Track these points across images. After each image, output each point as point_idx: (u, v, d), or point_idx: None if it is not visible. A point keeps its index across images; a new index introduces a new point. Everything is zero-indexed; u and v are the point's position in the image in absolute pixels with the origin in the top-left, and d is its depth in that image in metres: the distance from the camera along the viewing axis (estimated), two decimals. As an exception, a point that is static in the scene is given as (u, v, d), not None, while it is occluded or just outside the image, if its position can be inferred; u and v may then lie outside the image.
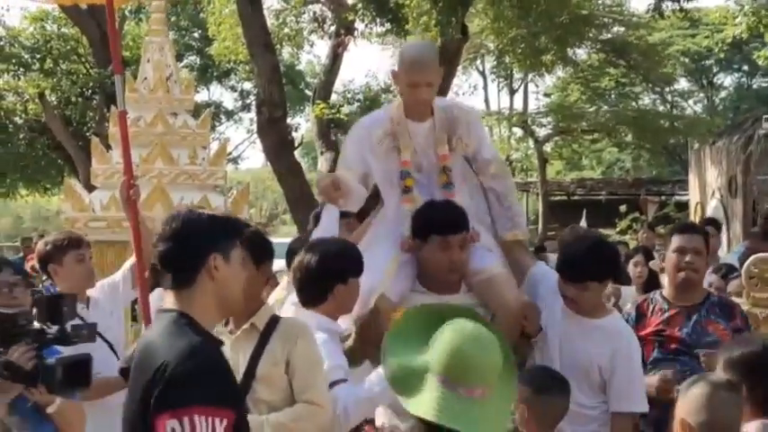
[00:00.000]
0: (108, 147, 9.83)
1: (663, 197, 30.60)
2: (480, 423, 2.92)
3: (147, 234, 5.88)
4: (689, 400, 3.40)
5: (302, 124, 38.51)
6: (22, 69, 27.07)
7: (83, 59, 25.93)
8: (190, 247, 3.17)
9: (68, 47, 26.35)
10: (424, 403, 2.93)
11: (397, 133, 5.11)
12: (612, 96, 35.02)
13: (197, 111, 11.17)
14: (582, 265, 4.84)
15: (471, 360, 2.94)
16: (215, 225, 3.22)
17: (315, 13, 22.20)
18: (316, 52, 62.69)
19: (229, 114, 40.45)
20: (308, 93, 31.83)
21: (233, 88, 39.76)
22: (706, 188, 21.71)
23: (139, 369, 3.08)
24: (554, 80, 35.92)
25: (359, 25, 20.16)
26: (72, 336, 4.24)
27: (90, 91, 24.53)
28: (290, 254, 6.36)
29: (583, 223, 16.68)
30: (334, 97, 22.45)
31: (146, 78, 9.97)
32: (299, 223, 16.94)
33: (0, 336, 4.06)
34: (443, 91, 15.12)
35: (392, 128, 5.11)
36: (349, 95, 24.86)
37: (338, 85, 23.84)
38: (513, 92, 42.37)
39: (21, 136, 27.26)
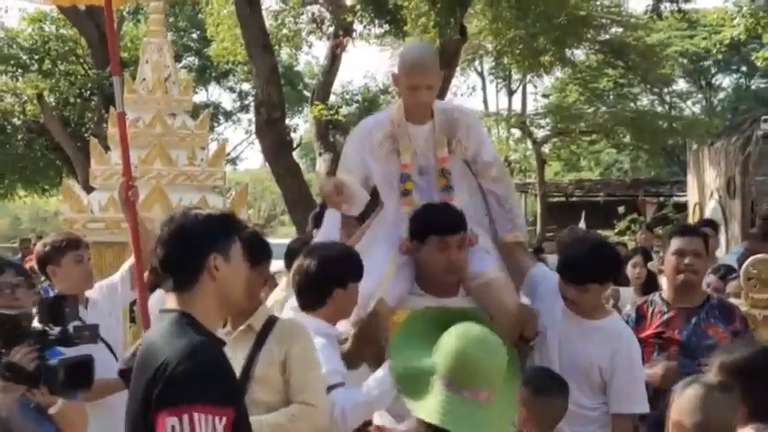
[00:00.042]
0: (106, 148, 9.83)
1: (661, 198, 30.63)
2: (485, 426, 2.93)
3: (146, 235, 5.88)
4: (683, 402, 3.41)
5: (301, 125, 38.56)
6: (20, 70, 27.09)
7: (81, 60, 25.94)
8: (189, 249, 3.17)
9: (67, 48, 26.36)
10: (430, 406, 2.93)
11: (398, 136, 5.11)
12: (611, 97, 35.03)
13: (195, 112, 11.16)
14: (583, 267, 4.85)
15: (477, 363, 2.94)
16: (212, 225, 3.22)
17: (313, 14, 22.22)
18: (314, 53, 62.87)
19: (228, 115, 40.43)
20: (307, 94, 31.84)
21: (231, 89, 39.76)
22: (704, 189, 21.72)
23: (141, 368, 3.09)
24: (552, 81, 35.95)
25: (357, 26, 20.20)
26: (74, 337, 4.24)
27: (88, 92, 24.54)
28: (290, 255, 6.37)
29: (582, 225, 16.69)
30: (332, 98, 22.44)
31: (144, 79, 9.96)
32: (298, 224, 16.95)
33: (2, 337, 4.06)
34: (442, 92, 15.13)
35: (392, 130, 5.11)
36: (347, 96, 24.85)
37: (337, 87, 23.85)
38: (511, 93, 42.43)
39: (19, 137, 27.26)
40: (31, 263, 7.98)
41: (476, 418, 2.91)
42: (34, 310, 4.43)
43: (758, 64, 31.59)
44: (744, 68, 44.35)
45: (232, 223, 3.33)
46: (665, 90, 36.60)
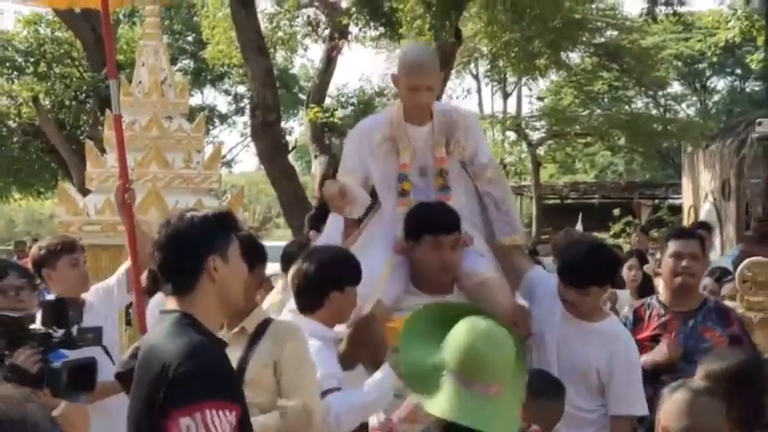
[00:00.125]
0: (102, 150, 9.82)
1: (656, 201, 30.67)
2: (496, 420, 2.93)
3: (143, 238, 5.88)
4: (670, 406, 3.41)
5: (296, 128, 38.52)
6: (15, 73, 27.06)
7: (76, 63, 25.92)
8: (187, 253, 3.18)
9: (62, 50, 26.33)
10: (442, 402, 2.94)
11: (397, 136, 5.12)
12: (606, 100, 35.07)
13: (191, 114, 11.16)
14: (583, 270, 4.86)
15: (486, 357, 2.95)
16: (209, 226, 3.23)
17: (308, 16, 22.26)
18: (309, 56, 62.73)
19: (223, 118, 40.43)
20: (302, 96, 31.84)
21: (227, 92, 39.78)
22: (699, 191, 21.73)
23: (143, 370, 3.10)
24: (547, 84, 35.97)
25: (353, 29, 20.22)
26: (77, 340, 4.24)
27: (84, 95, 24.50)
28: (286, 257, 6.38)
29: (579, 227, 16.70)
30: (327, 101, 22.44)
31: (140, 82, 9.96)
32: (293, 227, 16.96)
33: (6, 339, 4.06)
34: (437, 95, 15.13)
35: (391, 131, 5.12)
36: (343, 99, 24.83)
37: (332, 89, 23.84)
38: (506, 95, 42.49)
39: (14, 139, 27.22)
40: (27, 266, 7.97)
41: (487, 412, 2.91)
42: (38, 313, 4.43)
43: (753, 66, 31.65)
44: (738, 71, 44.38)
45: (229, 222, 3.33)
46: (660, 93, 36.67)
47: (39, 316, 4.25)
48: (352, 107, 23.61)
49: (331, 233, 5.02)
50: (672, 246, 5.42)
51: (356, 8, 19.06)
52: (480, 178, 5.31)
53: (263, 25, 19.76)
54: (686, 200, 23.42)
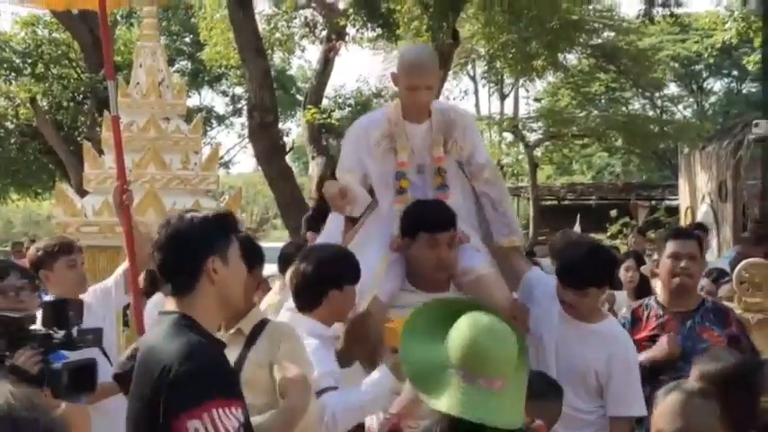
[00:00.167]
0: (100, 152, 9.83)
1: (653, 202, 30.67)
2: (501, 414, 2.93)
3: (140, 239, 5.89)
4: (664, 408, 3.42)
5: (293, 129, 38.51)
6: (13, 74, 27.03)
7: (74, 64, 25.89)
8: (186, 254, 3.18)
9: (60, 51, 26.30)
10: (447, 399, 2.93)
11: (395, 134, 5.12)
12: (603, 101, 35.08)
13: (188, 115, 11.18)
14: (582, 271, 4.87)
15: (489, 352, 2.95)
16: (209, 227, 3.22)
17: (306, 18, 22.28)
18: (307, 57, 62.74)
19: (220, 119, 40.40)
20: (299, 98, 31.82)
21: (224, 93, 39.73)
22: (696, 193, 21.76)
23: (143, 372, 3.09)
24: (544, 85, 36.01)
25: (350, 30, 20.23)
26: (78, 341, 4.24)
27: (81, 96, 24.49)
28: (283, 259, 6.39)
29: (577, 228, 16.71)
30: (325, 102, 22.45)
31: (138, 83, 9.98)
32: (291, 228, 16.95)
33: (7, 339, 4.06)
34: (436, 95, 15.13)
35: (389, 129, 5.13)
36: (340, 100, 24.81)
37: (329, 90, 23.84)
38: (503, 97, 42.42)
39: (12, 140, 27.18)
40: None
41: (492, 406, 2.91)
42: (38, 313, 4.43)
43: (749, 68, 31.67)
44: (735, 72, 44.42)
45: (229, 223, 3.33)
46: (657, 94, 36.69)
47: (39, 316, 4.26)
48: (350, 108, 23.59)
49: (331, 232, 5.02)
50: (670, 246, 5.42)
51: (353, 9, 19.08)
52: (477, 179, 5.31)
53: (261, 26, 19.78)
54: (683, 201, 23.45)
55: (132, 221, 5.91)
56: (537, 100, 40.65)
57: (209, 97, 44.12)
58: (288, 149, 22.41)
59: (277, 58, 28.42)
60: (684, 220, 21.82)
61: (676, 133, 27.01)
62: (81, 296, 5.73)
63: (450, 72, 24.90)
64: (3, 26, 48.60)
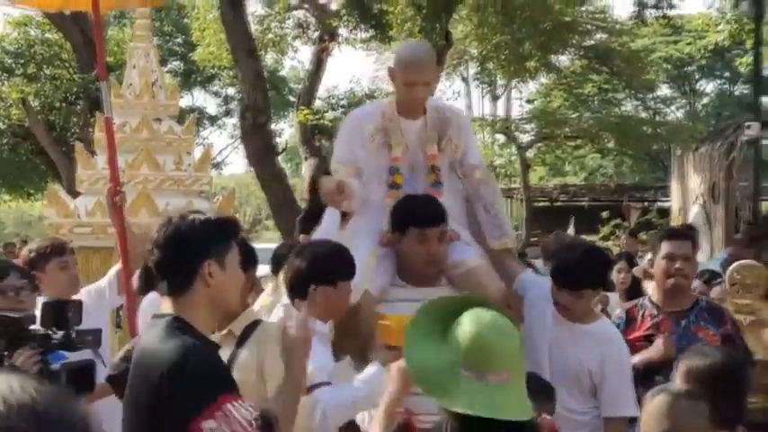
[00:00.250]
0: (92, 152, 9.82)
1: (645, 203, 30.64)
2: (512, 406, 2.93)
3: (133, 240, 5.89)
4: (651, 410, 3.43)
5: (286, 130, 38.50)
6: (5, 74, 26.98)
7: (66, 64, 25.84)
8: (184, 254, 3.18)
9: (52, 52, 26.25)
10: (458, 398, 2.92)
11: (389, 130, 5.13)
12: (595, 103, 35.07)
13: (181, 116, 11.16)
14: (577, 273, 4.90)
15: (494, 347, 2.95)
16: (209, 230, 3.22)
17: (298, 19, 22.27)
18: (299, 58, 62.67)
19: (212, 120, 40.37)
20: (292, 99, 31.81)
21: (216, 94, 39.71)
22: (688, 194, 21.75)
23: (139, 376, 3.09)
24: (537, 86, 36.00)
25: (343, 31, 20.21)
26: (77, 341, 4.25)
27: (73, 96, 24.44)
28: (276, 260, 6.39)
29: (570, 230, 16.73)
30: (317, 103, 22.44)
31: (131, 84, 9.97)
32: (283, 229, 16.94)
33: (6, 339, 4.06)
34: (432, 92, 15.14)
35: (384, 124, 5.13)
36: (333, 101, 24.82)
37: (322, 91, 23.83)
38: (496, 98, 42.48)
39: (3, 141, 27.14)
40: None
41: (503, 400, 2.90)
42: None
43: (741, 70, 31.73)
44: (727, 74, 44.53)
45: (230, 228, 3.33)
46: (649, 96, 36.68)
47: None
48: (343, 109, 23.59)
49: (328, 228, 5.01)
50: (664, 247, 5.44)
51: (346, 10, 19.07)
52: (470, 179, 5.32)
53: (253, 27, 19.74)
54: (675, 203, 23.45)
55: (125, 222, 5.91)
56: (529, 101, 40.64)
57: (201, 98, 44.08)
58: (280, 150, 22.38)
59: (269, 58, 28.40)
60: (676, 222, 21.83)
61: (669, 135, 26.99)
62: (76, 297, 5.74)
63: (443, 73, 24.90)
64: (-5, 27, 48.35)
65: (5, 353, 4.02)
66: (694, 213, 20.33)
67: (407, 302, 4.63)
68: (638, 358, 5.17)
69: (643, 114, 36.62)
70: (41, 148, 24.76)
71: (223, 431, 2.93)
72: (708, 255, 16.71)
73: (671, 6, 20.22)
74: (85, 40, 20.49)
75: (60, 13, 19.74)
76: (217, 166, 42.26)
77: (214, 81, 36.36)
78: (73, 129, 24.53)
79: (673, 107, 44.75)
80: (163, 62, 27.01)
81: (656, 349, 5.22)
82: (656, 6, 20.13)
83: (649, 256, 9.13)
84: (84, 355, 4.27)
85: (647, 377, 5.05)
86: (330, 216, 5.07)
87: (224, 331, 4.18)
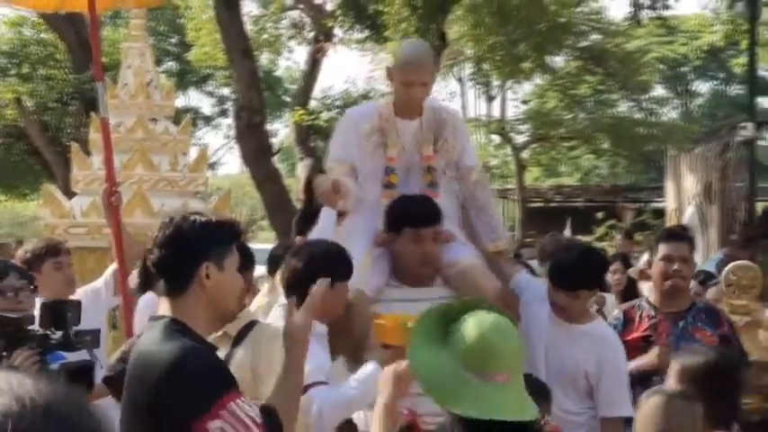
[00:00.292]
0: (87, 153, 9.81)
1: (640, 204, 30.67)
2: (518, 407, 2.93)
3: (128, 240, 5.89)
4: (645, 411, 3.44)
5: (281, 130, 38.49)
6: (-1, 74, 26.97)
7: (61, 65, 25.80)
8: (183, 254, 3.17)
9: (46, 52, 26.20)
10: (464, 402, 2.91)
11: (386, 130, 5.13)
12: (590, 104, 35.06)
13: (176, 116, 11.15)
14: (574, 274, 4.91)
15: (497, 347, 2.94)
16: (209, 232, 3.21)
17: (294, 19, 22.25)
18: (294, 58, 62.66)
19: (207, 120, 40.36)
20: (287, 99, 31.79)
21: (211, 94, 39.72)
22: (683, 195, 21.77)
23: (136, 377, 3.08)
24: (532, 87, 36.00)
25: (338, 32, 20.21)
26: (76, 342, 4.25)
27: (68, 96, 24.41)
28: (272, 260, 6.39)
29: (567, 232, 16.72)
30: (312, 103, 22.41)
31: (126, 84, 9.95)
32: (278, 229, 16.93)
33: (5, 340, 4.06)
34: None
35: (380, 123, 5.13)
36: (328, 102, 24.78)
37: (317, 92, 23.81)
38: (491, 99, 42.56)
39: (-2, 141, 27.14)
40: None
41: (509, 401, 2.90)
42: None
43: (736, 70, 31.78)
44: (721, 75, 44.60)
45: (231, 231, 3.33)
46: (644, 96, 36.72)
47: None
48: (338, 110, 23.54)
49: (325, 227, 5.00)
50: (662, 249, 5.45)
51: (341, 11, 19.06)
52: (466, 181, 5.32)
53: (248, 27, 19.74)
54: (670, 203, 23.47)
55: (121, 223, 5.91)
56: (524, 102, 40.66)
57: (195, 98, 44.07)
58: (275, 151, 22.37)
59: (264, 58, 28.39)
60: (671, 223, 21.85)
61: (663, 135, 27.01)
62: (73, 297, 5.74)
63: (438, 74, 24.90)
64: (-11, 26, 48.26)
65: (4, 353, 4.02)
66: (689, 214, 20.35)
67: (402, 303, 4.64)
68: (633, 365, 5.17)
69: (638, 115, 36.65)
70: (36, 149, 24.73)
71: (229, 430, 2.93)
72: (703, 255, 16.72)
73: (666, 7, 20.25)
74: (80, 40, 20.46)
75: (55, 14, 19.71)
76: (212, 166, 42.31)
77: (209, 81, 36.35)
78: (67, 129, 24.51)
79: (667, 108, 44.79)
80: (157, 62, 26.92)
81: (650, 358, 5.22)
82: (651, 7, 20.16)
83: (645, 257, 9.15)
84: (81, 355, 4.26)
85: (644, 378, 5.06)
86: (326, 216, 5.07)
87: (219, 333, 4.17)
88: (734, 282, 6.66)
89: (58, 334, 4.19)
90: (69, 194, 9.85)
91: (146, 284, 6.21)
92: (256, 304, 5.97)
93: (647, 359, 5.21)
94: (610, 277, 8.87)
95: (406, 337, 4.01)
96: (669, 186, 23.74)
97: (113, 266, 6.02)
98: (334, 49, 21.20)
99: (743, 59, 24.44)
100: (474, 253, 5.19)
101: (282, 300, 4.62)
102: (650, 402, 3.45)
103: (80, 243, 8.71)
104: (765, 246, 13.36)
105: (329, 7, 20.48)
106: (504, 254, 5.50)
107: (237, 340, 4.23)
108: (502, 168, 37.72)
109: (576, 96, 32.66)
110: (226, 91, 36.00)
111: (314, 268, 4.33)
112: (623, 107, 36.57)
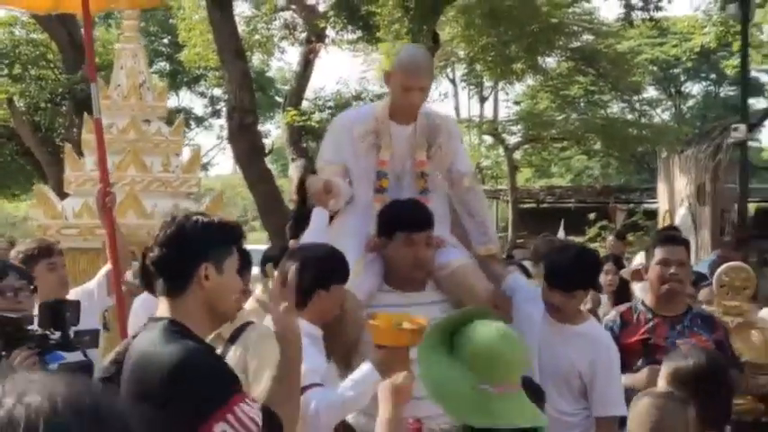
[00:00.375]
0: (79, 153, 9.79)
1: (631, 205, 30.70)
2: (529, 413, 2.94)
3: (122, 241, 5.88)
4: (637, 412, 3.44)
5: (273, 131, 38.46)
6: (-10, 75, 26.91)
7: (52, 65, 25.77)
8: (182, 254, 3.17)
9: (37, 52, 26.16)
10: (479, 411, 2.90)
11: (380, 132, 5.13)
12: (581, 105, 35.09)
13: (169, 117, 11.14)
14: (569, 274, 4.93)
15: (506, 356, 2.94)
16: (209, 233, 3.21)
17: (286, 19, 22.25)
18: (286, 59, 62.64)
19: (199, 121, 40.32)
20: (279, 99, 31.74)
21: (202, 94, 39.67)
22: (675, 196, 21.83)
23: (135, 380, 3.07)
24: (524, 88, 35.99)
25: (330, 32, 20.22)
26: (74, 342, 4.24)
27: (59, 97, 24.36)
28: (266, 262, 6.37)
29: (560, 233, 16.72)
30: (305, 104, 22.40)
31: (119, 85, 9.95)
32: (270, 230, 16.92)
33: (4, 340, 4.06)
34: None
35: (375, 126, 5.13)
36: (320, 102, 24.75)
37: (309, 92, 23.79)
38: (483, 99, 42.46)
39: (-12, 141, 27.09)
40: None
41: (520, 408, 2.91)
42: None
43: (727, 72, 31.83)
44: (713, 76, 44.71)
45: (232, 234, 3.32)
46: (635, 97, 36.77)
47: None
48: (330, 110, 23.54)
49: (317, 227, 5.00)
50: (659, 253, 5.45)
51: (333, 11, 19.08)
52: (458, 186, 5.32)
53: (240, 28, 19.74)
54: (662, 204, 23.52)
55: (115, 224, 5.90)
56: (516, 103, 40.65)
57: (187, 98, 44.05)
58: (267, 152, 22.37)
59: (256, 59, 28.36)
60: (663, 224, 21.89)
61: (655, 137, 27.05)
62: (67, 298, 5.73)
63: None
64: (-20, 27, 48.11)
65: (3, 353, 4.02)
66: (681, 215, 20.40)
67: (394, 308, 4.63)
68: (624, 380, 5.17)
69: (629, 116, 36.64)
70: (27, 149, 24.68)
71: None
72: (695, 257, 16.76)
73: (658, 8, 20.30)
74: (72, 40, 20.42)
75: (47, 14, 19.70)
76: (203, 167, 42.24)
77: (200, 82, 36.29)
78: (58, 129, 24.47)
79: (659, 109, 44.85)
80: (149, 63, 26.95)
81: (639, 378, 5.21)
82: (642, 8, 20.21)
83: (638, 258, 9.16)
84: (80, 355, 4.26)
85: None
86: (318, 216, 5.07)
87: (212, 334, 4.17)
88: (727, 283, 6.68)
89: (57, 334, 4.18)
90: (61, 195, 9.83)
91: (147, 285, 6.21)
92: (250, 306, 5.96)
93: (637, 378, 5.20)
94: (602, 278, 8.87)
95: (401, 337, 4.03)
96: (661, 187, 23.79)
97: (107, 267, 6.01)
98: (327, 50, 21.22)
99: (734, 61, 24.51)
100: (465, 254, 5.20)
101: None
102: (642, 404, 3.45)
103: (72, 244, 8.71)
104: (758, 247, 13.41)
105: (321, 8, 20.51)
106: (495, 257, 5.50)
107: (231, 341, 4.23)
108: (494, 169, 37.74)
109: (568, 97, 32.70)
110: (218, 91, 35.95)
111: (309, 273, 4.33)
112: (615, 108, 36.60)
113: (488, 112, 41.84)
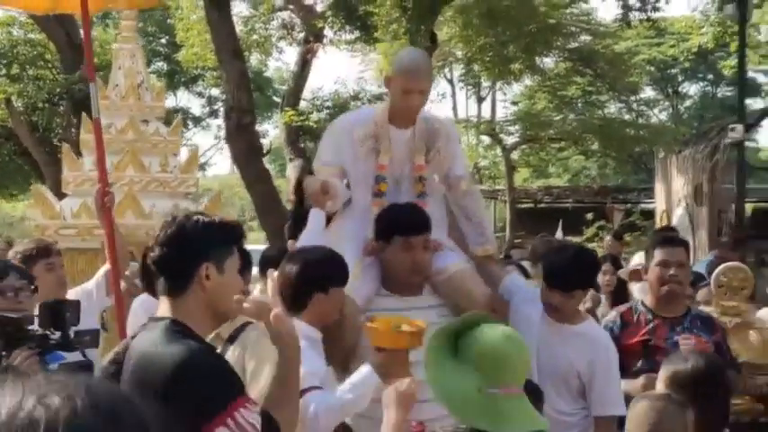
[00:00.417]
0: (78, 153, 9.79)
1: (629, 205, 30.72)
2: (533, 416, 2.95)
3: (121, 241, 5.88)
4: (634, 415, 3.45)
5: (270, 131, 38.46)
6: (-12, 75, 26.90)
7: (50, 65, 25.76)
8: (183, 254, 3.17)
9: (35, 52, 26.14)
10: (490, 416, 2.91)
11: (379, 136, 5.13)
12: (579, 105, 35.09)
13: (167, 117, 11.14)
14: (568, 274, 4.93)
15: (512, 359, 2.97)
16: (210, 232, 3.21)
17: (283, 19, 22.25)
18: (284, 59, 62.64)
19: (197, 120, 40.30)
20: (277, 99, 31.74)
21: (200, 94, 39.65)
22: (672, 196, 21.83)
23: (136, 380, 3.06)
24: (521, 88, 36.02)
25: (328, 32, 20.21)
26: (75, 342, 4.24)
27: (57, 97, 24.35)
28: (264, 262, 6.37)
29: (558, 234, 16.72)
30: (302, 104, 22.39)
31: (117, 85, 9.95)
32: (268, 230, 16.92)
33: (4, 340, 4.06)
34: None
35: (375, 130, 5.13)
36: (318, 102, 24.74)
37: (307, 93, 23.79)
38: (480, 100, 42.53)
39: (-13, 142, 27.08)
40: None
41: (525, 411, 2.92)
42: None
43: (724, 72, 31.83)
44: (710, 77, 44.75)
45: (233, 234, 3.32)
46: (633, 98, 36.78)
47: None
48: (327, 110, 23.53)
49: (315, 230, 5.00)
50: (658, 254, 5.45)
51: (331, 12, 19.07)
52: (455, 190, 5.33)
53: (238, 28, 19.74)
54: (659, 204, 23.53)
55: (113, 224, 5.90)
56: (514, 103, 40.70)
57: (185, 98, 44.03)
58: (265, 152, 22.37)
59: (254, 59, 28.36)
60: (660, 224, 21.89)
61: (652, 137, 27.06)
62: (69, 298, 5.72)
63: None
64: (-23, 27, 48.04)
65: (3, 353, 4.02)
66: (679, 216, 20.41)
67: (392, 312, 4.63)
68: (622, 386, 5.17)
69: (626, 116, 36.70)
70: (25, 149, 24.69)
71: None
72: (692, 257, 16.77)
73: (655, 9, 20.30)
74: (69, 40, 20.43)
75: (45, 14, 19.68)
76: (201, 167, 42.27)
77: (198, 82, 36.28)
78: (56, 129, 24.48)
79: (656, 109, 44.92)
80: (147, 63, 26.94)
81: (636, 386, 5.21)
82: (640, 9, 20.21)
83: (635, 258, 9.16)
84: (80, 356, 4.26)
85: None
86: (315, 217, 5.07)
87: (212, 334, 4.17)
88: (725, 283, 6.69)
89: (57, 334, 4.18)
90: (59, 195, 9.83)
91: (149, 285, 6.21)
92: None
93: (633, 385, 5.20)
94: (600, 278, 8.87)
95: (400, 340, 4.03)
96: (658, 188, 23.81)
97: (105, 267, 6.01)
98: (324, 50, 21.23)
99: (732, 61, 24.49)
100: (462, 258, 5.20)
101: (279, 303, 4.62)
102: (639, 406, 3.46)
103: (70, 244, 8.70)
104: (755, 247, 13.42)
105: (319, 8, 20.52)
106: (493, 258, 5.51)
107: (229, 341, 4.23)
108: (491, 169, 37.76)
109: (566, 97, 32.71)
110: (215, 91, 35.96)
111: (307, 274, 4.34)
112: (612, 108, 36.64)
113: (486, 113, 41.94)
